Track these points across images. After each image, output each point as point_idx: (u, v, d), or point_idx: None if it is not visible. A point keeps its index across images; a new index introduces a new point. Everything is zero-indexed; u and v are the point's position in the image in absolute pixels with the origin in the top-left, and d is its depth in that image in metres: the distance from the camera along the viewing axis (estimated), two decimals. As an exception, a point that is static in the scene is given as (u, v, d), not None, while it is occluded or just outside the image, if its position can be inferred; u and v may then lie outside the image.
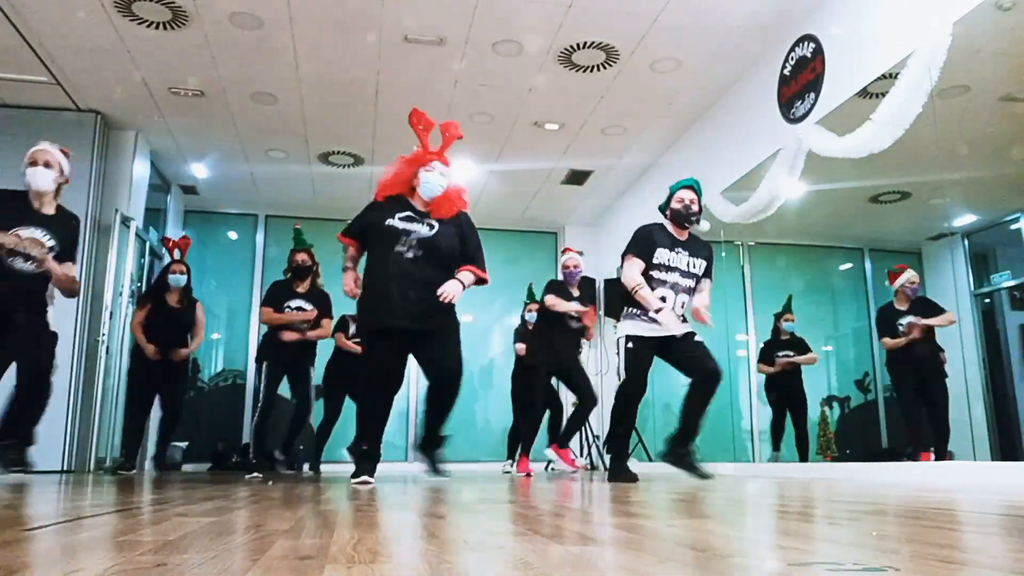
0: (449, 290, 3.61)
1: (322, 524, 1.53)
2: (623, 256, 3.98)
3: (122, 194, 6.73)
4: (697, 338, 3.84)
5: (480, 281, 3.85)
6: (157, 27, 5.27)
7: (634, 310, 3.87)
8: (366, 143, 7.18)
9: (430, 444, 3.86)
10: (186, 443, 7.66)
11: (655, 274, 3.85)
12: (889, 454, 6.28)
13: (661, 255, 3.87)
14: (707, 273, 3.98)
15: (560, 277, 5.76)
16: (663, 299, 3.80)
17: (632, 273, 3.86)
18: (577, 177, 7.99)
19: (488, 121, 6.70)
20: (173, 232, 7.98)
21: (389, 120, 6.65)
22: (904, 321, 5.53)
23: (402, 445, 8.48)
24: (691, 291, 3.91)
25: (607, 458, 7.34)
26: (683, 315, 3.92)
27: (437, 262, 3.70)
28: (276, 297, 5.47)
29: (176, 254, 5.82)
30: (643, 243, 3.90)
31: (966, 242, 6.97)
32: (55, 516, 1.81)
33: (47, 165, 3.61)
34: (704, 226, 4.07)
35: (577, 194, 8.46)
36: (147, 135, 7.01)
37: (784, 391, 6.35)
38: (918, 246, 7.39)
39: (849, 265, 7.69)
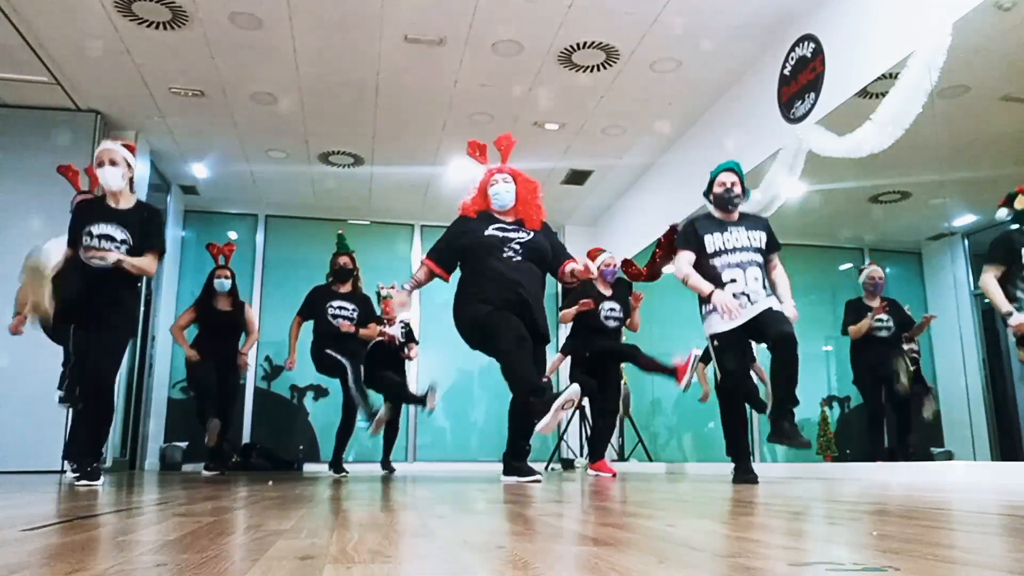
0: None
1: (322, 524, 1.53)
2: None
3: (122, 194, 6.72)
4: (775, 307, 3.69)
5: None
6: (157, 27, 5.27)
7: (709, 307, 3.81)
8: (366, 143, 7.18)
9: (515, 456, 3.80)
10: (186, 443, 7.65)
11: (717, 262, 3.78)
12: (889, 454, 6.28)
13: (713, 241, 3.81)
14: (771, 246, 3.89)
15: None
16: (733, 280, 3.72)
17: (680, 265, 3.84)
18: (577, 177, 7.99)
19: (488, 121, 6.70)
20: (172, 232, 7.99)
21: (389, 120, 6.65)
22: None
23: (402, 444, 8.47)
24: (762, 265, 3.81)
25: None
26: (765, 289, 3.79)
27: (537, 264, 3.85)
28: (314, 303, 5.49)
29: (220, 260, 5.88)
30: (687, 236, 3.89)
31: (966, 242, 6.96)
32: (55, 516, 1.81)
33: (112, 163, 3.64)
34: (755, 197, 4.02)
35: (577, 194, 8.46)
36: (147, 135, 7.01)
37: None
38: (918, 246, 7.38)
39: (849, 265, 7.68)
